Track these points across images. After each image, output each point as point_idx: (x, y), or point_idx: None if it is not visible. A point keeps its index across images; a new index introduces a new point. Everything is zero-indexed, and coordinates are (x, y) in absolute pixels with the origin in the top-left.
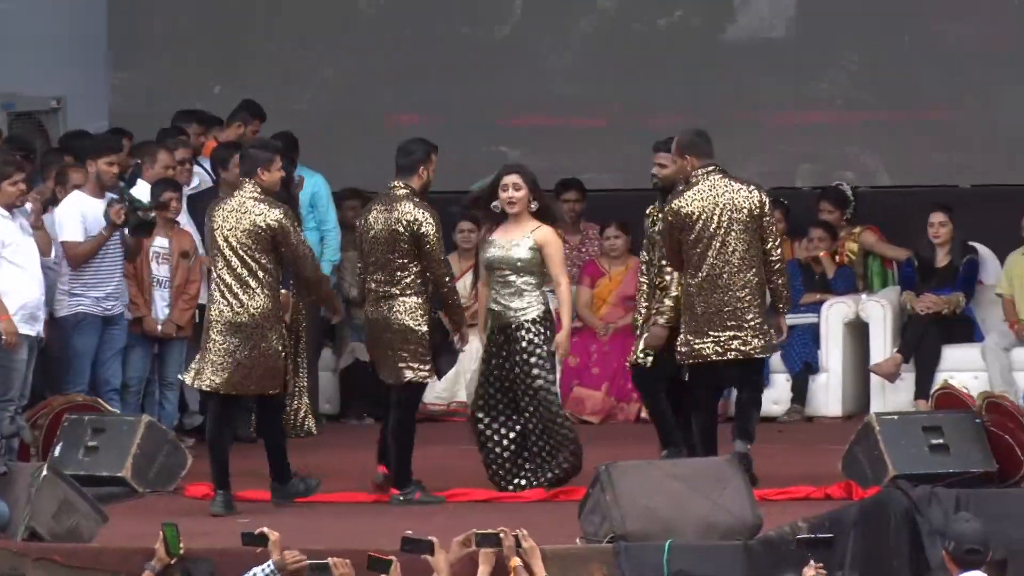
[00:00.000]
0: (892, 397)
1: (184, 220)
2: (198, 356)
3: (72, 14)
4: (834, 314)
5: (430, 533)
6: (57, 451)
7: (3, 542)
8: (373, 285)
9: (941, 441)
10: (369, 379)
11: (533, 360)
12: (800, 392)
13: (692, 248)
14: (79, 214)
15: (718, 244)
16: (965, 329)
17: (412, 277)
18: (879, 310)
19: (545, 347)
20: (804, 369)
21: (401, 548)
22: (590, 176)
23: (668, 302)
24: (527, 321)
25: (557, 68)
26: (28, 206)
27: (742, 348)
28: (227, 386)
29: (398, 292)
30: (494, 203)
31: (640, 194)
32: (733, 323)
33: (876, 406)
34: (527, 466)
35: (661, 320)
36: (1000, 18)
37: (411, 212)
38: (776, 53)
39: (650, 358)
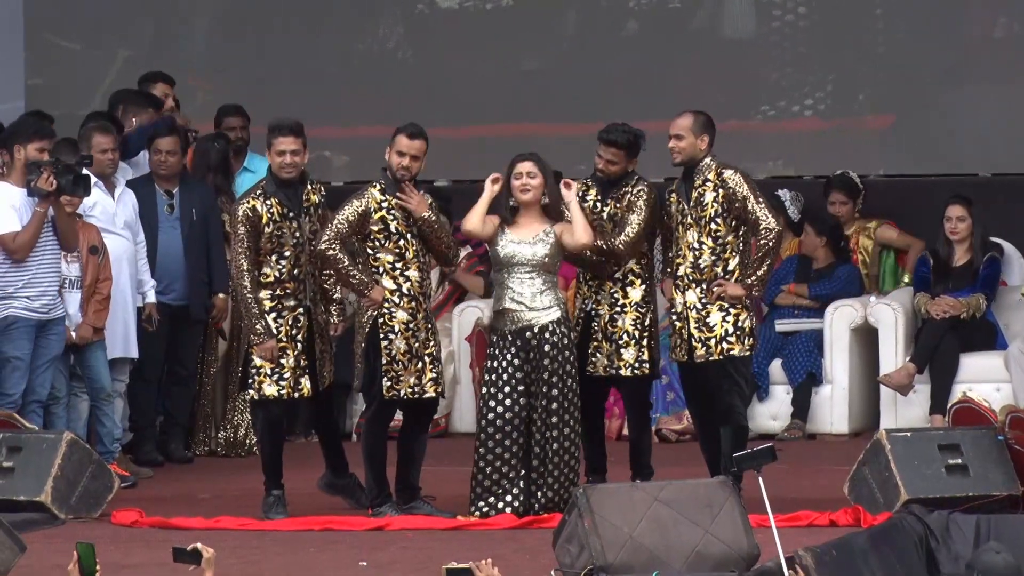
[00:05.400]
0: (904, 412)
1: (116, 208)
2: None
3: None
4: (840, 318)
5: (385, 565)
6: None
7: None
8: None
9: (959, 461)
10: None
11: (558, 364)
12: (802, 406)
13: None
14: (8, 205)
15: None
16: (986, 335)
17: None
18: (890, 314)
19: (573, 351)
20: (807, 380)
21: None
22: None
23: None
24: (552, 322)
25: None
26: None
27: None
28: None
29: None
30: (511, 200)
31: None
32: None
33: (887, 422)
34: (524, 484)
35: None
36: None
37: None
38: (766, 49)
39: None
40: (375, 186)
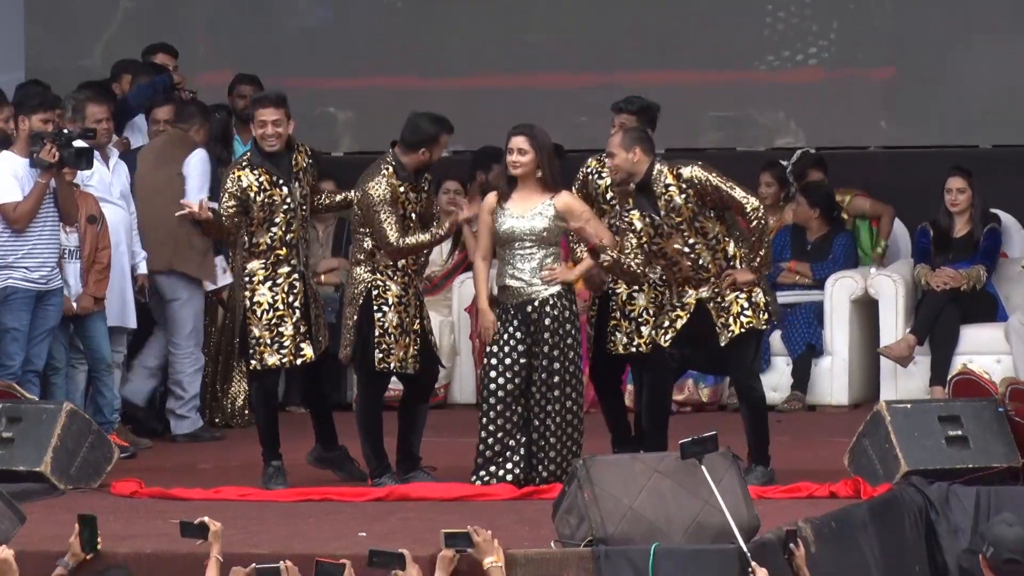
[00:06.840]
0: (904, 383)
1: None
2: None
3: None
4: (840, 290)
5: (386, 535)
6: None
7: None
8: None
9: (959, 433)
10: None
11: (559, 338)
12: (802, 377)
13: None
14: (10, 175)
15: None
16: (986, 307)
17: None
18: (890, 285)
19: (575, 325)
20: (807, 352)
21: (368, 563)
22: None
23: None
24: (552, 296)
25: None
26: None
27: None
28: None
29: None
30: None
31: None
32: None
33: (887, 393)
34: (525, 452)
35: None
36: None
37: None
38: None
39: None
40: (387, 170)
